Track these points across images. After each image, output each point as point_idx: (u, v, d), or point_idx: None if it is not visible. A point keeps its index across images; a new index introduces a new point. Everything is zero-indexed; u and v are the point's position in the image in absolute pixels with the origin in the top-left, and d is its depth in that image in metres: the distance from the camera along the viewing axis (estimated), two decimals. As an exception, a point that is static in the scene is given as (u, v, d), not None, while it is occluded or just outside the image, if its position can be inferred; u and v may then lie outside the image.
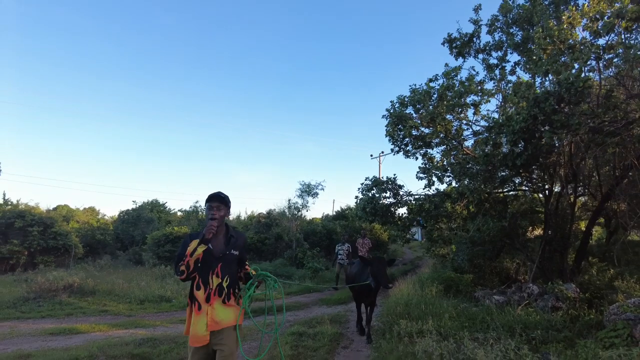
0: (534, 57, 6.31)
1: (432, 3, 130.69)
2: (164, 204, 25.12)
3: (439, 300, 6.58)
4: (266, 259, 15.08)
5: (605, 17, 5.59)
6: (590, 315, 5.34)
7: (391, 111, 8.08)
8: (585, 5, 5.89)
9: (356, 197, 9.04)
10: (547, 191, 8.02)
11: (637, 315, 4.23)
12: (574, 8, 6.25)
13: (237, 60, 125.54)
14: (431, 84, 7.81)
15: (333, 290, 10.07)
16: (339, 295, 9.22)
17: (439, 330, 4.81)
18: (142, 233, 18.72)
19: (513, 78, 8.40)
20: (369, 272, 5.13)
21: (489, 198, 7.78)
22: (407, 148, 8.34)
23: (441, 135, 7.89)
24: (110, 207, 74.91)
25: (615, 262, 8.36)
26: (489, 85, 8.42)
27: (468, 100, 7.87)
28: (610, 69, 6.06)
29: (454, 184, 8.14)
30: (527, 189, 8.81)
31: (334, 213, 23.99)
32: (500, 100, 8.42)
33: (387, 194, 8.65)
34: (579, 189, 8.01)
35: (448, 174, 7.84)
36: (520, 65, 8.14)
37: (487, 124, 7.84)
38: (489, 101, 8.29)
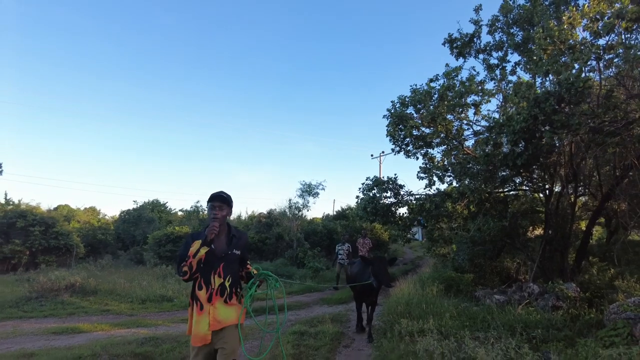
0: (535, 58, 6.32)
1: (432, 3, 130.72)
2: (165, 204, 25.18)
3: (440, 299, 6.60)
4: (267, 259, 15.11)
5: (606, 18, 5.60)
6: (591, 314, 5.35)
7: (392, 111, 8.11)
8: (586, 5, 5.91)
9: (357, 196, 9.07)
10: (547, 191, 8.04)
11: (637, 314, 4.25)
12: (574, 8, 6.26)
13: (237, 60, 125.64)
14: (432, 84, 7.83)
15: (334, 290, 10.10)
16: (340, 295, 9.25)
17: (439, 330, 4.83)
18: (143, 233, 18.76)
19: (513, 78, 8.43)
20: (370, 272, 5.14)
21: (489, 198, 7.80)
22: (408, 148, 8.37)
23: (442, 135, 7.91)
24: (111, 207, 74.98)
25: (616, 261, 8.38)
26: (490, 86, 8.45)
27: (469, 100, 7.90)
28: (611, 69, 6.08)
29: (454, 183, 8.17)
30: (527, 188, 8.83)
31: (335, 213, 24.02)
32: (501, 100, 8.44)
33: (388, 194, 8.67)
34: (580, 188, 8.02)
35: (449, 173, 7.87)
36: (520, 66, 8.16)
37: (487, 124, 7.86)
38: (490, 101, 8.32)
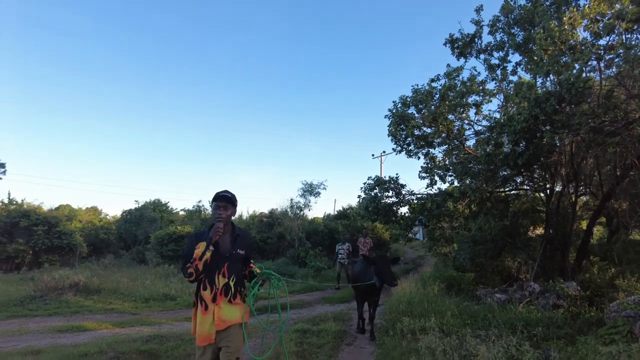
0: (536, 58, 6.35)
1: (433, 4, 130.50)
2: (166, 204, 25.25)
3: (441, 298, 6.65)
4: (269, 258, 15.16)
5: (606, 19, 5.63)
6: (591, 312, 5.38)
7: (394, 111, 8.15)
8: (586, 6, 5.94)
9: (359, 196, 9.12)
10: (548, 190, 8.06)
11: (637, 312, 4.29)
12: (574, 9, 6.29)
13: (238, 60, 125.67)
14: (433, 84, 7.86)
15: (335, 289, 10.14)
16: (342, 294, 9.30)
17: (441, 328, 4.87)
18: (145, 232, 18.84)
19: (514, 78, 8.43)
20: (372, 271, 5.15)
21: (490, 197, 7.84)
22: (410, 148, 8.40)
23: (443, 135, 7.95)
24: (112, 207, 75.18)
25: (616, 260, 8.41)
26: (491, 86, 8.46)
27: (470, 100, 7.92)
28: (611, 69, 6.10)
29: (455, 183, 8.19)
30: (528, 188, 8.85)
31: (336, 212, 24.05)
32: (502, 100, 8.46)
33: (390, 193, 8.72)
34: (580, 188, 8.05)
35: (450, 173, 7.90)
36: (521, 66, 8.16)
37: (488, 124, 7.89)
38: (491, 101, 8.33)
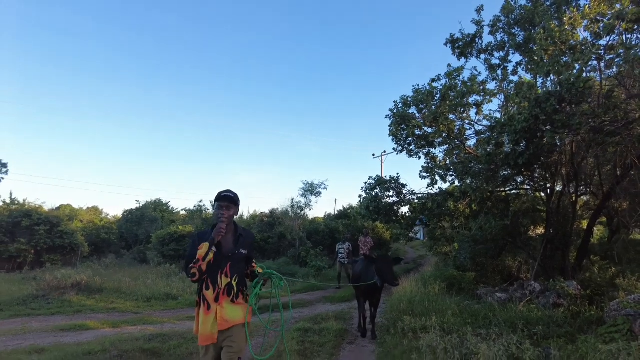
0: (536, 58, 6.38)
1: (434, 4, 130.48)
2: (167, 204, 25.32)
3: (442, 297, 6.68)
4: (269, 258, 15.20)
5: (606, 19, 5.65)
6: (591, 311, 5.40)
7: (394, 111, 8.18)
8: (587, 6, 5.96)
9: (360, 195, 9.16)
10: (548, 190, 8.09)
11: (637, 311, 4.32)
12: (575, 9, 6.31)
13: (238, 61, 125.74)
14: (434, 84, 7.90)
15: (336, 288, 10.16)
16: (343, 293, 9.33)
17: (442, 326, 4.89)
18: (146, 232, 18.90)
19: (515, 78, 8.46)
20: (374, 270, 5.16)
21: (491, 197, 7.87)
22: (410, 147, 8.44)
23: (444, 135, 7.98)
24: (112, 207, 75.29)
25: (617, 260, 8.43)
26: (491, 86, 8.49)
27: (470, 100, 7.95)
28: (611, 69, 6.12)
29: (456, 182, 8.22)
30: (529, 187, 8.88)
31: (336, 212, 24.08)
32: (503, 100, 8.49)
33: (391, 193, 8.76)
34: (581, 187, 8.08)
35: (451, 173, 7.92)
36: (522, 66, 8.19)
37: (489, 124, 7.91)
38: (491, 101, 8.37)
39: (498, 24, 8.00)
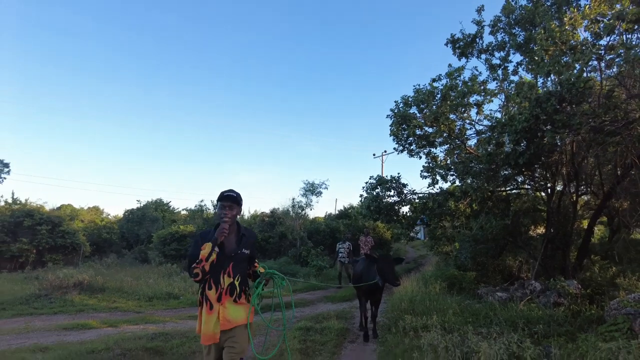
0: (536, 58, 6.39)
1: (433, 4, 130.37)
2: (168, 203, 25.36)
3: (443, 297, 6.70)
4: (270, 257, 15.22)
5: (606, 19, 5.67)
6: (592, 310, 5.42)
7: (395, 111, 8.20)
8: (587, 7, 5.97)
9: (361, 195, 9.18)
10: (549, 189, 8.11)
11: (637, 310, 4.34)
12: (575, 9, 6.33)
13: (238, 61, 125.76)
14: (435, 84, 7.92)
15: (337, 288, 10.19)
16: (344, 293, 9.35)
17: (443, 325, 4.91)
18: (147, 232, 18.94)
19: (515, 78, 8.47)
20: (375, 270, 5.18)
21: (491, 196, 7.89)
22: (411, 147, 8.46)
23: (444, 135, 8.00)
24: (113, 207, 75.29)
25: (617, 259, 8.45)
26: (492, 86, 8.50)
27: (471, 100, 7.96)
28: (612, 69, 6.14)
29: (457, 182, 8.24)
30: (529, 187, 8.90)
31: (337, 212, 24.10)
32: (503, 100, 8.50)
33: (391, 193, 8.77)
34: (581, 187, 8.09)
35: (451, 172, 7.94)
36: (522, 66, 8.20)
37: (490, 124, 7.93)
38: (492, 101, 8.37)
39: (498, 24, 8.01)
